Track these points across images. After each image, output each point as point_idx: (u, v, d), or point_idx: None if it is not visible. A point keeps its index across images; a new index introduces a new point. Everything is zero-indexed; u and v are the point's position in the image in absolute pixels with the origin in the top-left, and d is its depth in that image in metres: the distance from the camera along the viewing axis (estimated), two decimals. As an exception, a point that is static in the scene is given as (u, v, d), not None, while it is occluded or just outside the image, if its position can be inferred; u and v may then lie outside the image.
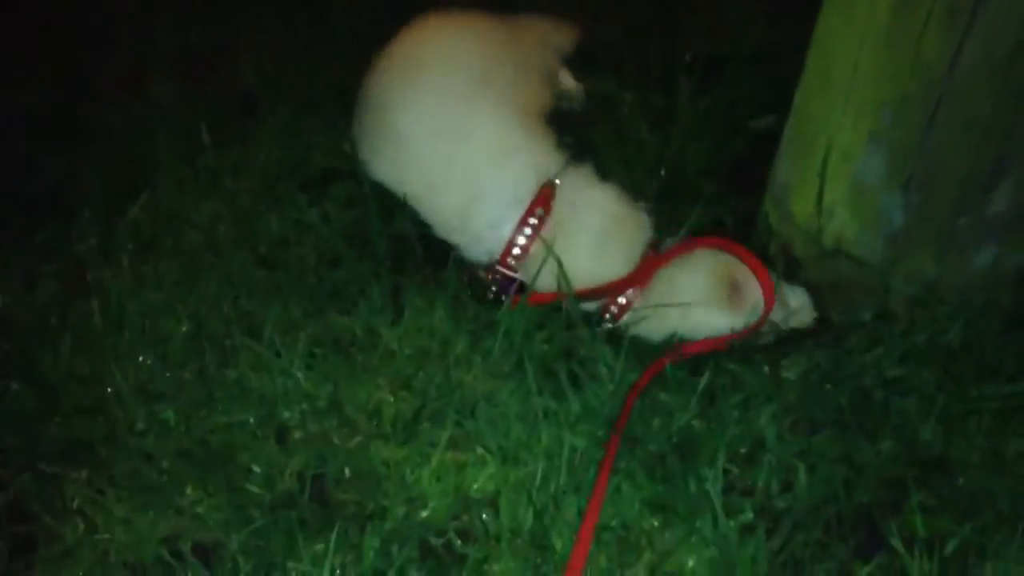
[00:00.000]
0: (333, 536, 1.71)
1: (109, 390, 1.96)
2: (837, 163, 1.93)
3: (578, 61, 2.53)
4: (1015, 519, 1.76)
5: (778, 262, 2.10)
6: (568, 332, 2.01)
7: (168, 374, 1.99)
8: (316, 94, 2.51)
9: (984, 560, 1.73)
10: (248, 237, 2.21)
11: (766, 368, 1.96)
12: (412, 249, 2.17)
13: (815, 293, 2.06)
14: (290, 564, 1.73)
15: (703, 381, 1.90)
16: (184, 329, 2.05)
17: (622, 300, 2.04)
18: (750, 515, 1.77)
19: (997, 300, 2.00)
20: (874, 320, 2.00)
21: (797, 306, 2.05)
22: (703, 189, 2.30)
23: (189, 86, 2.60)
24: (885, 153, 1.84)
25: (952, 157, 1.80)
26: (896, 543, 1.73)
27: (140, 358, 2.01)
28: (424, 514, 1.81)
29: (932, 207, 1.87)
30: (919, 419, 1.89)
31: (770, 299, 1.99)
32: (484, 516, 1.80)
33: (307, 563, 1.72)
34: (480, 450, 1.88)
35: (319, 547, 1.74)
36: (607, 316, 2.05)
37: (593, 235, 2.05)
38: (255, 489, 1.83)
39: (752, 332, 2.00)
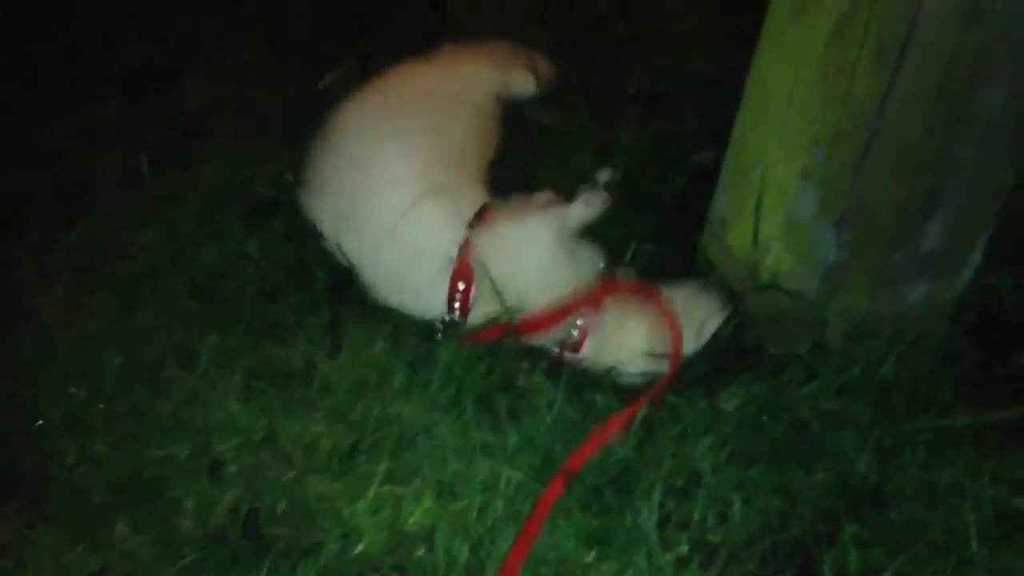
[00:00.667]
0: (264, 574, 1.68)
1: (40, 422, 1.92)
2: (772, 198, 1.95)
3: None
4: (947, 551, 1.77)
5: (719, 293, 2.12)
6: (507, 365, 2.00)
7: (100, 406, 1.96)
8: (260, 120, 2.49)
9: (916, 592, 1.75)
10: (186, 267, 2.19)
11: (703, 400, 1.96)
12: (352, 280, 2.15)
13: (752, 326, 2.08)
14: (221, 601, 1.70)
15: (640, 415, 1.90)
16: (117, 361, 2.02)
17: (580, 322, 2.02)
18: (685, 548, 1.77)
19: (930, 334, 2.02)
20: (810, 353, 2.01)
21: (705, 315, 2.05)
22: (645, 222, 2.31)
23: (129, 110, 2.57)
24: (817, 190, 1.86)
25: (884, 193, 1.82)
26: (829, 576, 1.75)
27: (72, 389, 1.98)
28: (359, 548, 1.79)
29: (865, 243, 1.89)
30: (854, 451, 1.90)
31: (677, 349, 2.02)
32: (420, 551, 1.78)
33: (238, 600, 1.70)
34: (417, 483, 1.87)
35: (252, 584, 1.71)
36: (569, 341, 2.03)
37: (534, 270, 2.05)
38: (187, 524, 1.81)
39: (675, 371, 2.01)
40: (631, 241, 2.21)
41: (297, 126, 2.33)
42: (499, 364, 2.01)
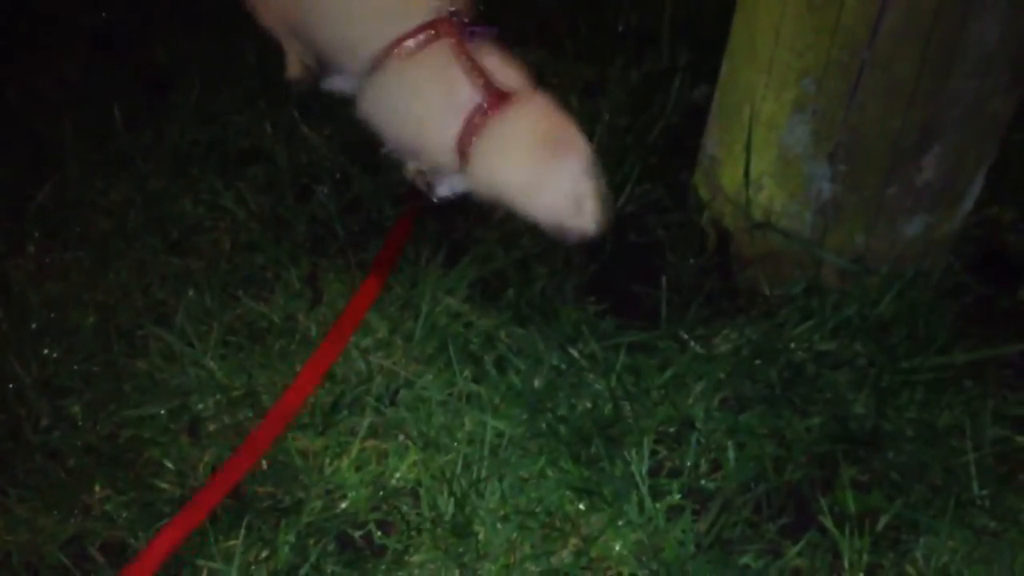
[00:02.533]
0: (242, 532, 1.64)
1: (11, 385, 1.87)
2: (763, 133, 1.88)
3: (510, 32, 2.45)
4: (947, 492, 1.73)
5: (709, 235, 2.06)
6: (492, 315, 1.94)
7: (75, 367, 1.91)
8: (232, 72, 2.41)
9: (916, 536, 1.70)
10: (160, 222, 2.12)
11: (696, 345, 1.91)
12: (333, 231, 2.09)
13: (745, 267, 2.01)
14: (200, 562, 1.66)
15: (620, 359, 1.85)
16: (91, 320, 1.97)
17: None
18: (677, 496, 1.73)
19: (929, 270, 1.96)
20: (805, 293, 1.95)
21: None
22: (637, 162, 2.23)
23: (100, 65, 2.49)
24: (810, 123, 1.79)
25: (878, 125, 1.75)
26: (827, 521, 1.70)
27: (45, 351, 1.92)
28: (343, 506, 1.75)
29: (860, 177, 1.82)
30: (851, 393, 1.85)
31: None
32: (405, 506, 1.74)
33: (218, 561, 1.65)
34: (401, 438, 1.82)
35: (231, 543, 1.67)
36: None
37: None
38: (166, 484, 1.76)
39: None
40: (623, 181, 2.13)
41: (272, 77, 2.26)
42: (482, 315, 1.96)
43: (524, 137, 1.88)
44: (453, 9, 1.93)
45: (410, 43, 1.91)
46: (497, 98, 1.88)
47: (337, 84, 2.15)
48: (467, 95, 1.89)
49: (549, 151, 1.86)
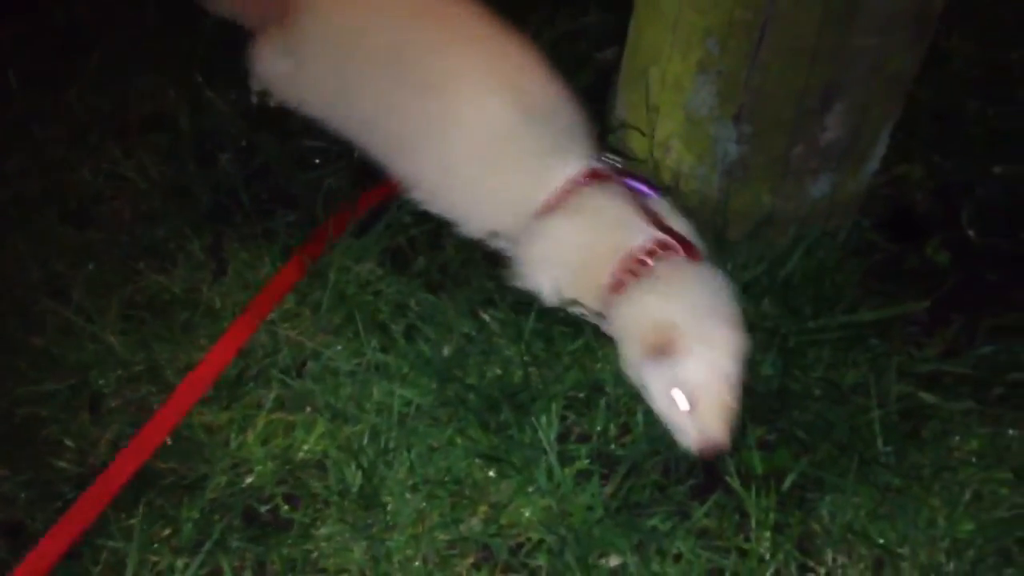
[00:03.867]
0: (140, 510, 1.61)
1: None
2: (670, 95, 1.87)
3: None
4: (852, 450, 1.74)
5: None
6: (400, 284, 1.92)
7: (-32, 343, 1.85)
8: (134, 34, 2.33)
9: (822, 493, 1.72)
10: (57, 192, 2.06)
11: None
12: (238, 199, 2.04)
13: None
14: (99, 541, 1.62)
15: (529, 324, 1.83)
16: (-16, 294, 1.91)
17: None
18: (586, 462, 1.72)
19: (836, 229, 1.97)
20: (713, 254, 1.95)
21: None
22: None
23: (-6, 26, 2.40)
24: (715, 83, 1.79)
25: (781, 85, 1.75)
26: (734, 482, 1.71)
27: (-64, 327, 1.86)
28: (249, 480, 1.72)
29: (765, 137, 1.82)
30: (759, 354, 1.85)
31: None
32: (312, 479, 1.71)
33: (118, 539, 1.62)
34: (308, 410, 1.79)
35: (131, 522, 1.63)
36: None
37: None
38: (64, 464, 1.72)
39: None
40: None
41: (176, 41, 2.19)
42: (392, 283, 1.93)
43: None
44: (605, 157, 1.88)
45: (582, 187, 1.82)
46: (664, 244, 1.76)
47: None
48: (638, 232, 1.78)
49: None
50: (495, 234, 1.90)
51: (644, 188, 1.88)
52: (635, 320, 1.70)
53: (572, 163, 1.84)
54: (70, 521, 1.59)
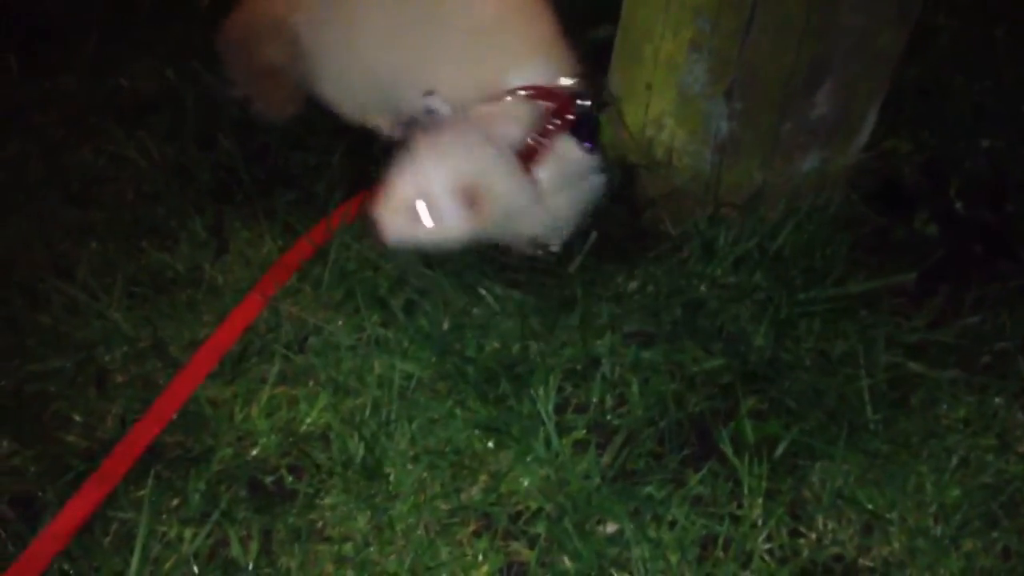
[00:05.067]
0: (149, 482, 1.65)
1: (-91, 343, 1.84)
2: (663, 73, 1.90)
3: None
4: (841, 419, 1.79)
5: (615, 174, 2.08)
6: (400, 260, 1.95)
7: (-25, 323, 1.88)
8: (131, 18, 2.36)
9: (812, 461, 1.76)
10: (60, 174, 2.08)
11: (603, 285, 1.94)
12: (238, 178, 2.07)
13: (649, 207, 2.04)
14: (110, 512, 1.66)
15: (529, 299, 1.87)
16: (-9, 274, 1.94)
17: None
18: (583, 432, 1.76)
19: (826, 203, 2.01)
20: (707, 229, 1.99)
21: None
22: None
23: (-8, 13, 2.42)
24: (706, 61, 1.82)
25: (770, 62, 1.78)
26: (727, 450, 1.75)
27: (-57, 307, 1.89)
28: (253, 452, 1.76)
29: (755, 114, 1.86)
30: (751, 326, 1.89)
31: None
32: (315, 450, 1.75)
33: (128, 510, 1.66)
34: (311, 383, 1.83)
35: (140, 493, 1.67)
36: None
37: None
38: (73, 438, 1.75)
39: None
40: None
41: (174, 25, 2.22)
42: (392, 259, 1.96)
43: None
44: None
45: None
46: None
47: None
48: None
49: None
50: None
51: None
52: None
53: (529, 74, 1.95)
54: (85, 495, 1.63)
